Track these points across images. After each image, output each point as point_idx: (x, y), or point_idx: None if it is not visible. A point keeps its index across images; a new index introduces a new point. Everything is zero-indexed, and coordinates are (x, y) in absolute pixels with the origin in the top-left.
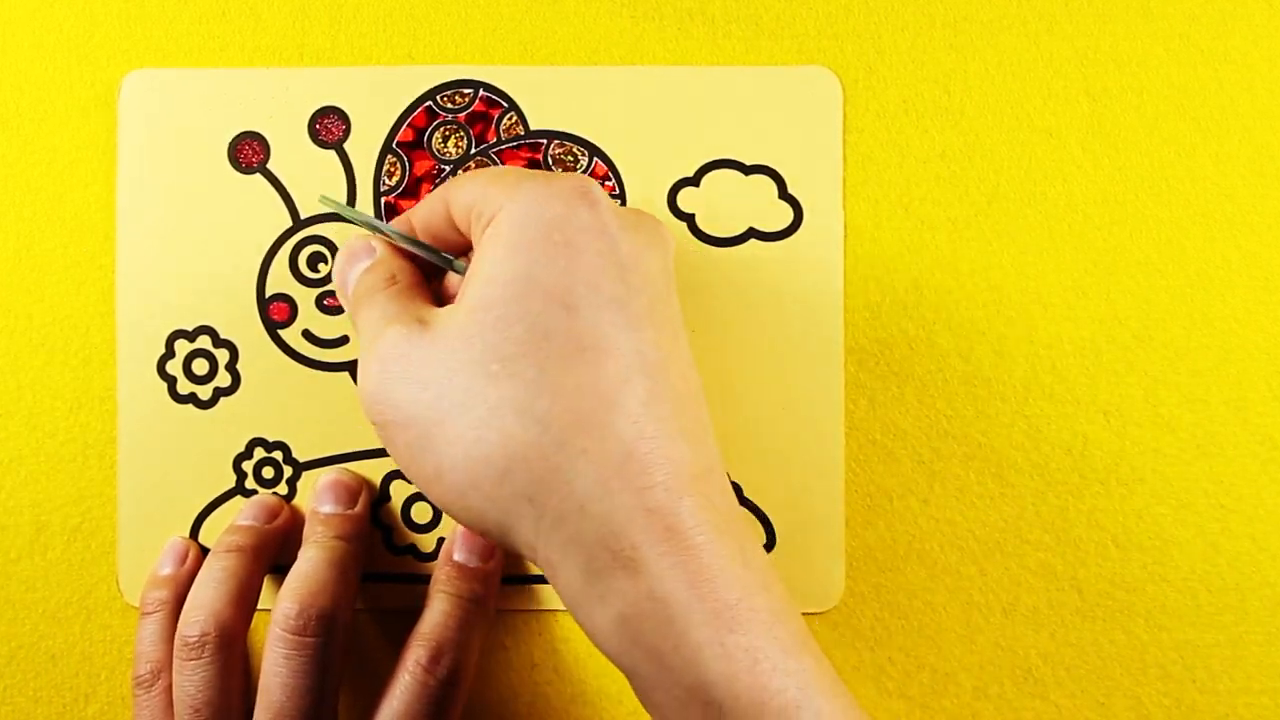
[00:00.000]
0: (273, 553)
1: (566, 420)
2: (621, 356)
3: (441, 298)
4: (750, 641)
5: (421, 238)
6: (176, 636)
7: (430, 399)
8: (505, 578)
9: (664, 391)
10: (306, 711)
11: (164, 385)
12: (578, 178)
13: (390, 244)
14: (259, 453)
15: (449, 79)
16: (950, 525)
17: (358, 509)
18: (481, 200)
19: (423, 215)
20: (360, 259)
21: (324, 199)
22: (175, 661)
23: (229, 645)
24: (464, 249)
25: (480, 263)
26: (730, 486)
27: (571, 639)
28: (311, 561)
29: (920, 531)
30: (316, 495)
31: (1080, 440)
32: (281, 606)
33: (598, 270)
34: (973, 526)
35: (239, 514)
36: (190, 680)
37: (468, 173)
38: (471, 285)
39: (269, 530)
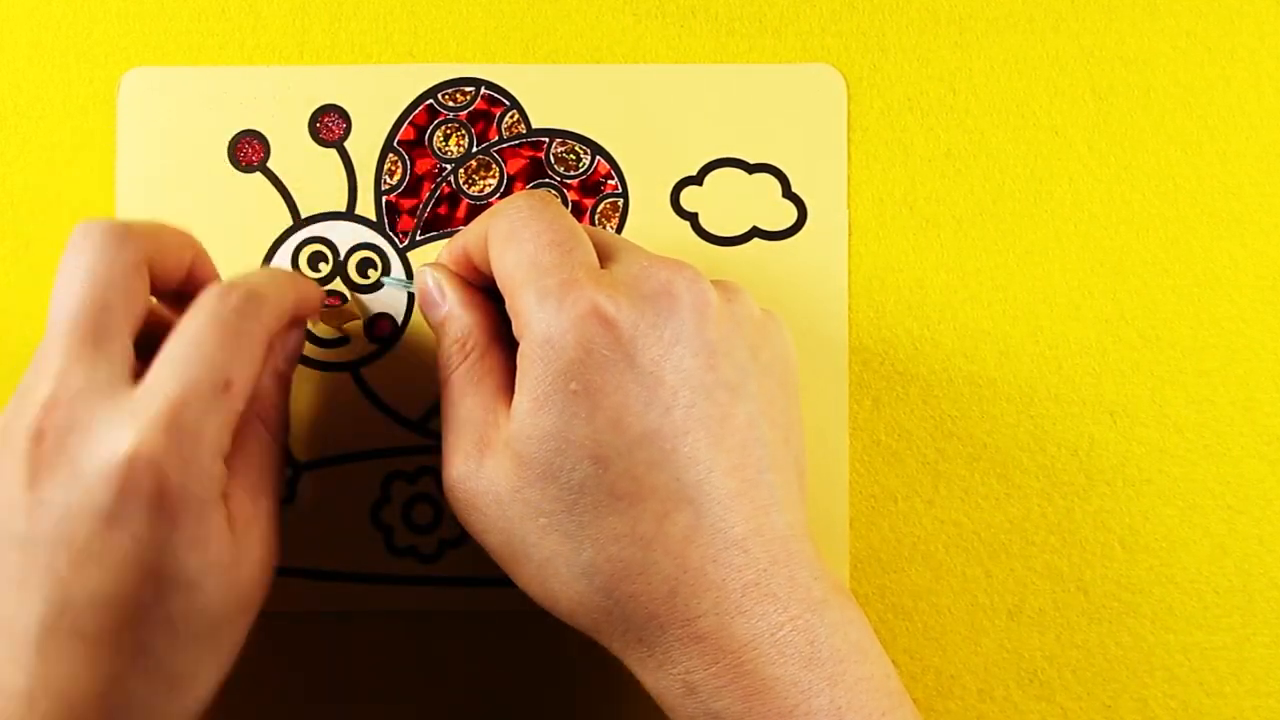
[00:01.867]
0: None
1: (610, 570)
2: (657, 494)
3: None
4: None
5: (475, 260)
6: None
7: (498, 542)
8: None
9: (708, 508)
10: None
11: None
12: (603, 288)
13: (458, 290)
14: None
15: (450, 77)
16: (955, 526)
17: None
18: (514, 296)
19: (472, 246)
20: (435, 306)
21: (388, 280)
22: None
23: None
24: None
25: (516, 403)
26: (807, 556)
27: (575, 639)
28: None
29: (925, 533)
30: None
31: (1086, 441)
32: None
33: (622, 410)
34: (978, 528)
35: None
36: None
37: (511, 214)
38: (513, 426)
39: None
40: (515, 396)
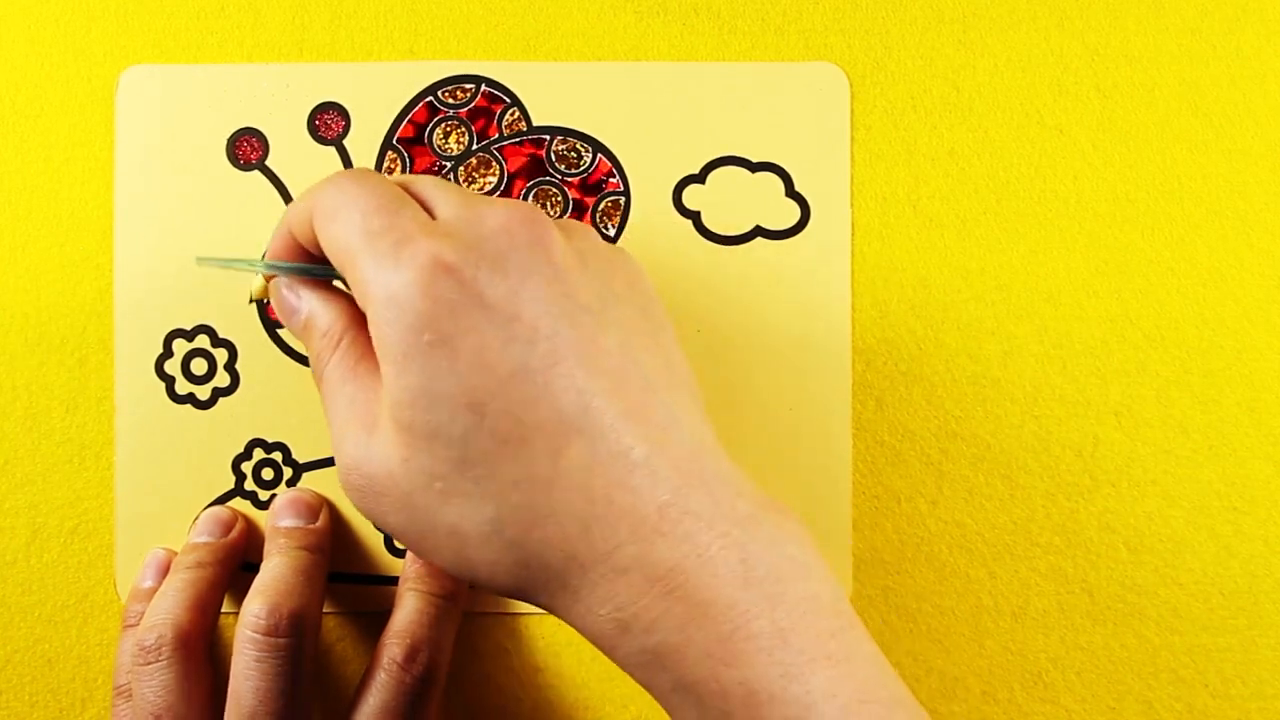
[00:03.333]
0: (232, 565)
1: (517, 519)
2: (543, 430)
3: None
4: (744, 674)
5: (301, 240)
6: (134, 645)
7: (403, 523)
8: None
9: (600, 434)
10: (280, 714)
11: (162, 385)
12: (438, 238)
13: (313, 289)
14: (258, 454)
15: (450, 74)
16: (959, 527)
17: (319, 524)
18: (351, 266)
19: (298, 226)
20: (294, 313)
21: (200, 260)
22: (133, 670)
23: (187, 650)
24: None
25: (384, 372)
26: (727, 472)
27: (575, 642)
28: (277, 568)
29: (928, 534)
30: (275, 513)
31: (1091, 441)
32: (250, 608)
33: (482, 351)
34: (982, 529)
35: (193, 531)
36: (148, 686)
37: (330, 190)
38: (386, 396)
39: (226, 544)
40: (380, 366)
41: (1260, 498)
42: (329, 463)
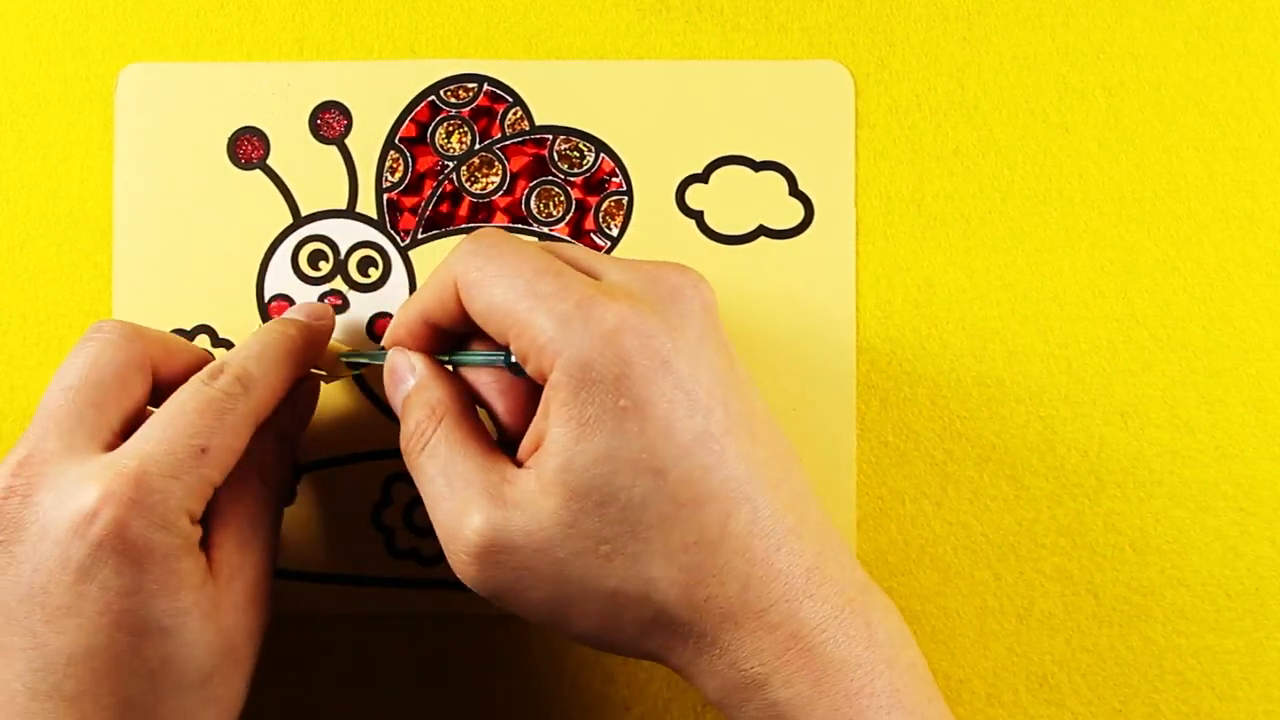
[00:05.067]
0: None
1: (685, 580)
2: (715, 497)
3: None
4: None
5: (437, 320)
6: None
7: (547, 594)
8: None
9: (763, 501)
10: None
11: None
12: (621, 301)
13: (424, 362)
14: None
15: (453, 73)
16: (963, 528)
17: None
18: (523, 328)
19: (431, 306)
20: (404, 379)
21: (345, 357)
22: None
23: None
24: (473, 327)
25: (555, 436)
26: (843, 544)
27: (577, 645)
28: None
29: (933, 535)
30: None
31: (1096, 442)
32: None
33: (670, 416)
34: (986, 530)
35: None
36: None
37: (479, 257)
38: (555, 460)
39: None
40: (551, 430)
41: (1267, 498)
42: (329, 463)
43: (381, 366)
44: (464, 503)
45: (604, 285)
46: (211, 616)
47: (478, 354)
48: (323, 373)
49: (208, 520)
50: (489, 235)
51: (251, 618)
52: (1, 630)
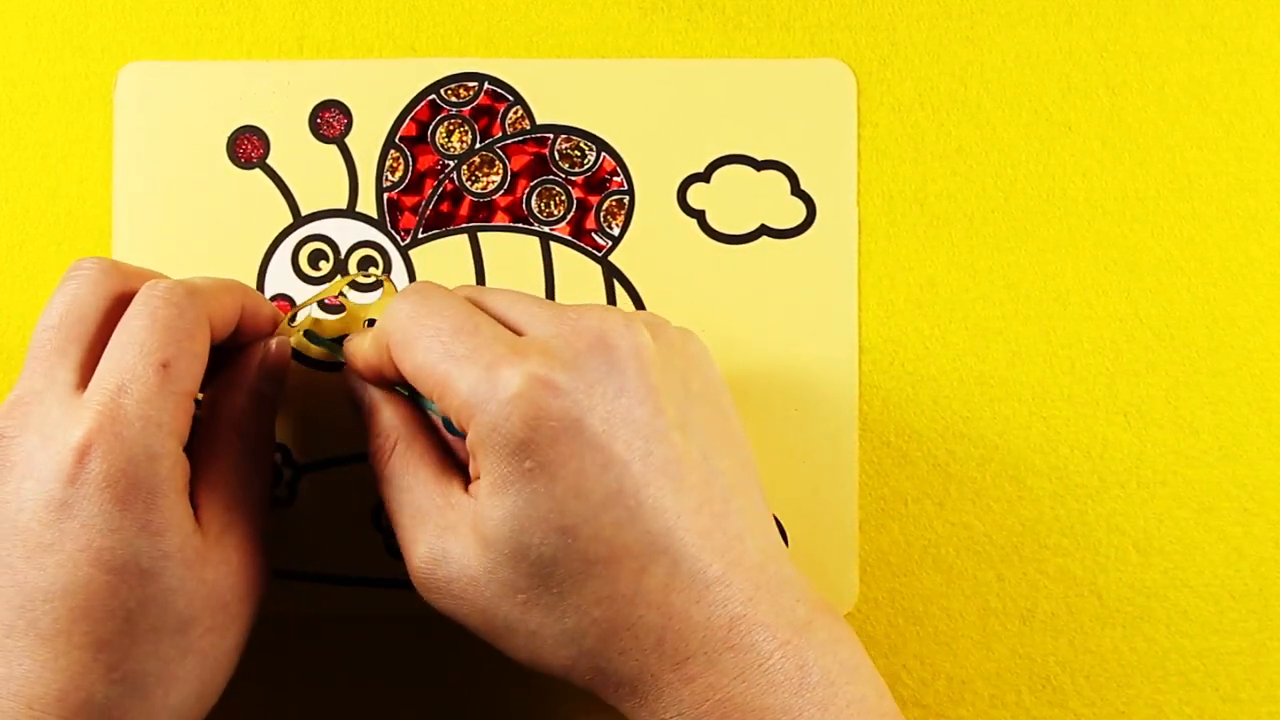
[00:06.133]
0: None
1: (596, 632)
2: (629, 552)
3: None
4: None
5: (387, 372)
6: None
7: (478, 622)
8: None
9: (684, 553)
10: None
11: None
12: (533, 359)
13: (372, 389)
14: None
15: (453, 72)
16: (966, 529)
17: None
18: (443, 390)
19: (378, 363)
20: (358, 404)
21: (287, 326)
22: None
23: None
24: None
25: (475, 488)
26: (787, 579)
27: None
28: None
29: (935, 536)
30: None
31: (1099, 442)
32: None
33: (580, 477)
34: (989, 530)
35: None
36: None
37: (403, 318)
38: (471, 512)
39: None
40: (473, 483)
41: (1271, 499)
42: (329, 464)
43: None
44: (416, 528)
45: (518, 343)
46: (194, 566)
47: (430, 403)
48: (288, 332)
49: (193, 478)
50: (416, 293)
51: (244, 577)
52: None
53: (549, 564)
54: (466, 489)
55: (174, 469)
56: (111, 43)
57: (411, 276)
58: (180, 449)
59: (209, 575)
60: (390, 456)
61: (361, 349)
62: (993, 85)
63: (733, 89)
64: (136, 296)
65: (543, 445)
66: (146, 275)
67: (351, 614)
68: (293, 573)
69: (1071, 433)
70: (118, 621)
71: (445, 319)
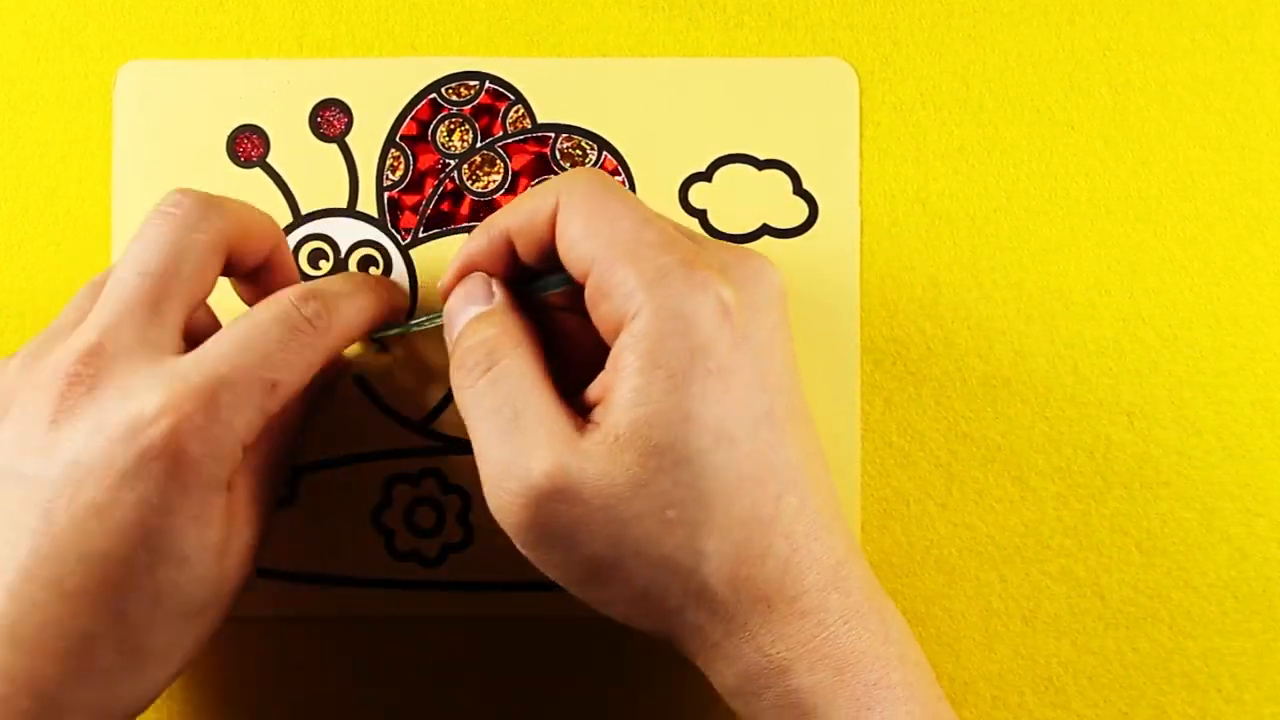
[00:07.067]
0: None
1: (733, 555)
2: (774, 474)
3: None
4: (883, 715)
5: (517, 241)
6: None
7: (596, 553)
8: (525, 584)
9: (809, 490)
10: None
11: None
12: (716, 270)
13: (510, 292)
14: None
15: (454, 71)
16: (969, 530)
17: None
18: (610, 278)
19: (519, 225)
20: (476, 301)
21: (375, 336)
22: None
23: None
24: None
25: (637, 387)
26: (859, 550)
27: (576, 645)
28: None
29: (938, 536)
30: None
31: (1103, 442)
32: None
33: (748, 389)
34: (992, 531)
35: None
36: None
37: (592, 185)
38: (637, 412)
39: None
40: (631, 381)
41: (1274, 499)
42: (329, 464)
43: (412, 337)
44: (532, 439)
45: (701, 253)
46: (221, 557)
47: (552, 278)
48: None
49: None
50: (598, 174)
51: (244, 569)
52: (23, 505)
53: (710, 474)
54: (587, 400)
55: (235, 467)
56: (111, 41)
57: (412, 276)
58: (248, 452)
59: (226, 566)
60: (509, 356)
61: (496, 220)
62: (995, 84)
63: (734, 88)
64: (283, 296)
65: (726, 350)
66: (245, 216)
67: (351, 614)
68: (293, 574)
69: (1075, 433)
70: (146, 599)
71: (635, 206)
